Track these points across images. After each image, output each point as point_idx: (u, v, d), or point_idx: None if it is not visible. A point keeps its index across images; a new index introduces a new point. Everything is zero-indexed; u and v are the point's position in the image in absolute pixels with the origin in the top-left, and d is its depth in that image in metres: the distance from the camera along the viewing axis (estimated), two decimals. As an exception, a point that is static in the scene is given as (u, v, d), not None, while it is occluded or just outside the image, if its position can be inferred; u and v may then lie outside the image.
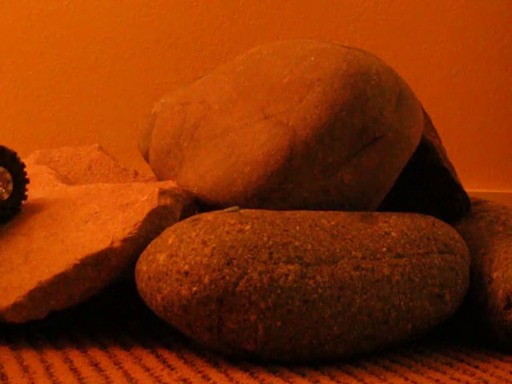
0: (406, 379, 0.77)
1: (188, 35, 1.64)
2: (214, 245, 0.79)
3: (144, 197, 0.90)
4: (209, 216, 0.84)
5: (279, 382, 0.76)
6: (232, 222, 0.82)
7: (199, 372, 0.79)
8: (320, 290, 0.79)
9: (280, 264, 0.79)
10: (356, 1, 1.66)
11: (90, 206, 0.93)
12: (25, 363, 0.81)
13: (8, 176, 0.91)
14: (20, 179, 0.93)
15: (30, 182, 1.04)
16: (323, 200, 0.89)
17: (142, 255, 0.85)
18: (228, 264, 0.78)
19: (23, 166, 0.94)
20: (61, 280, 0.86)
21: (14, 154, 0.93)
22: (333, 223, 0.85)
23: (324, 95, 0.89)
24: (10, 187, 0.91)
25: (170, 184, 0.92)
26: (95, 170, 1.10)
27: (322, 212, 0.87)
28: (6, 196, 0.91)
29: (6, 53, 1.60)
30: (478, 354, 0.87)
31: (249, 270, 0.78)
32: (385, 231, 0.85)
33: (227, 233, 0.80)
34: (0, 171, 0.90)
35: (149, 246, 0.85)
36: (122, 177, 1.17)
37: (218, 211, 0.86)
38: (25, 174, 0.93)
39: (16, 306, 0.87)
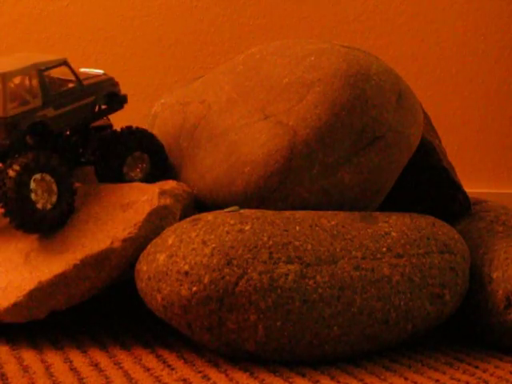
0: (406, 379, 0.77)
1: (188, 35, 1.64)
2: (214, 245, 0.79)
3: (144, 197, 0.90)
4: (209, 216, 0.84)
5: (279, 382, 0.76)
6: (232, 222, 0.82)
7: (199, 372, 0.79)
8: (320, 290, 0.79)
9: (280, 264, 0.79)
10: (356, 1, 1.66)
11: (90, 206, 0.93)
12: (25, 363, 0.81)
13: (146, 158, 0.99)
14: (158, 159, 1.00)
15: None
16: (323, 200, 0.89)
17: (141, 255, 0.85)
18: (228, 264, 0.78)
19: (162, 147, 1.00)
20: (61, 280, 0.86)
21: (152, 136, 1.00)
22: (333, 223, 0.85)
23: (324, 95, 0.89)
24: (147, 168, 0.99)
25: (170, 184, 0.92)
26: (95, 170, 1.10)
27: (321, 212, 0.87)
28: (140, 175, 0.98)
29: (6, 53, 1.60)
30: (478, 354, 0.86)
31: (249, 270, 0.78)
32: (385, 231, 0.85)
33: (227, 233, 0.80)
34: (144, 158, 0.98)
35: (149, 246, 0.85)
36: (122, 177, 1.17)
37: (217, 211, 0.86)
38: (164, 153, 1.01)
39: (16, 306, 0.87)
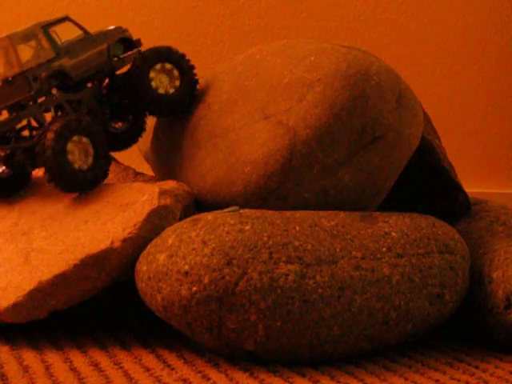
0: (406, 379, 0.77)
1: (188, 35, 1.64)
2: (214, 245, 0.79)
3: (144, 197, 0.90)
4: (209, 216, 0.84)
5: (279, 382, 0.76)
6: (232, 222, 0.82)
7: (199, 372, 0.79)
8: (320, 290, 0.79)
9: (280, 264, 0.79)
10: (356, 1, 1.66)
11: (90, 206, 0.93)
12: (25, 363, 0.81)
13: (176, 73, 1.00)
14: (188, 77, 1.01)
15: (30, 183, 1.04)
16: (323, 200, 0.89)
17: (141, 255, 0.85)
18: (228, 264, 0.78)
19: (192, 66, 1.02)
20: (61, 280, 0.86)
21: (183, 55, 1.02)
22: (333, 223, 0.85)
23: (324, 95, 0.89)
24: (177, 83, 1.00)
25: (170, 184, 0.92)
26: (95, 170, 1.10)
27: (321, 212, 0.87)
28: (172, 90, 1.00)
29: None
30: (478, 354, 0.86)
31: (249, 270, 0.78)
32: (385, 231, 0.85)
33: (227, 233, 0.80)
34: (168, 68, 0.99)
35: (149, 246, 0.85)
36: (122, 177, 1.17)
37: (217, 211, 0.86)
38: (194, 73, 1.02)
39: (16, 306, 0.87)
